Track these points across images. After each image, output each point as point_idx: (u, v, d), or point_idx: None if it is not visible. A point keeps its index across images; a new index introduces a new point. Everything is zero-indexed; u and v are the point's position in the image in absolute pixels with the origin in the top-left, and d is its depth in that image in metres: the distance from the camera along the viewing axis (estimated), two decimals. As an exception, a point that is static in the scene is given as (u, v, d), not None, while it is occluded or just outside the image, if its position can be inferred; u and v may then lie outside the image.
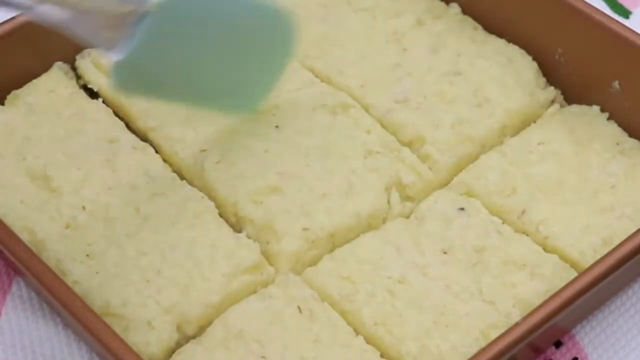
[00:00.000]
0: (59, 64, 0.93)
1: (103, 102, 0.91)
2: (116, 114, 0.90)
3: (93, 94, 0.92)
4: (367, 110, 0.90)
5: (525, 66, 0.93)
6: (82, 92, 0.92)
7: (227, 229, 0.82)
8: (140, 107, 0.89)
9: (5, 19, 0.90)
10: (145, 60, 0.78)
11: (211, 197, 0.84)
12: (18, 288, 0.85)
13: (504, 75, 0.92)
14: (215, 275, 0.79)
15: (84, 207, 0.83)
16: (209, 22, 0.81)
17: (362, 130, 0.88)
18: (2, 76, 0.91)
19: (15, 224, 0.81)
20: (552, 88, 0.93)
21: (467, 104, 0.90)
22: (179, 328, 0.77)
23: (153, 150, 0.87)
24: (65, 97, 0.91)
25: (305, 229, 0.81)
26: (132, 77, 0.79)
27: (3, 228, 0.78)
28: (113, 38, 0.76)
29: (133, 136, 0.88)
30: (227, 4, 0.83)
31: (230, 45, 0.83)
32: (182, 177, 0.86)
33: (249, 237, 0.82)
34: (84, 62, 0.93)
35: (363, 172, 0.85)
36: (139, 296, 0.78)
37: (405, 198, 0.86)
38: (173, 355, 0.76)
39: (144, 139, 0.89)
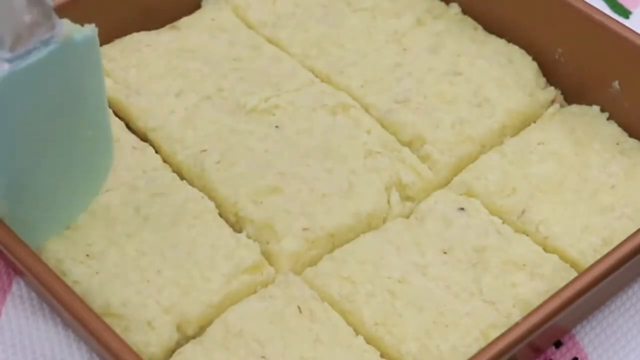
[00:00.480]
0: (59, 63, 0.93)
1: (103, 102, 0.91)
2: (116, 114, 0.90)
3: (93, 94, 0.92)
4: (367, 110, 0.90)
5: (525, 66, 0.93)
6: (82, 92, 0.92)
7: (227, 229, 0.82)
8: (140, 108, 0.89)
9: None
10: None
11: (211, 197, 0.84)
12: (18, 288, 0.85)
13: (504, 75, 0.92)
14: (216, 275, 0.79)
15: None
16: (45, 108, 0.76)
17: (362, 130, 0.88)
18: (3, 76, 0.90)
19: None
20: (552, 88, 0.93)
21: (467, 104, 0.90)
22: (179, 328, 0.77)
23: (153, 151, 0.87)
24: (65, 97, 0.91)
25: (305, 229, 0.81)
26: None
27: (3, 228, 0.78)
28: None
29: (133, 136, 0.88)
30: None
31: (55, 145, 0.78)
32: (182, 177, 0.86)
33: (249, 237, 0.82)
34: (84, 62, 0.93)
35: (363, 172, 0.85)
36: (139, 296, 0.78)
37: (405, 198, 0.86)
38: (173, 355, 0.76)
39: (143, 139, 0.89)
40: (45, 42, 0.73)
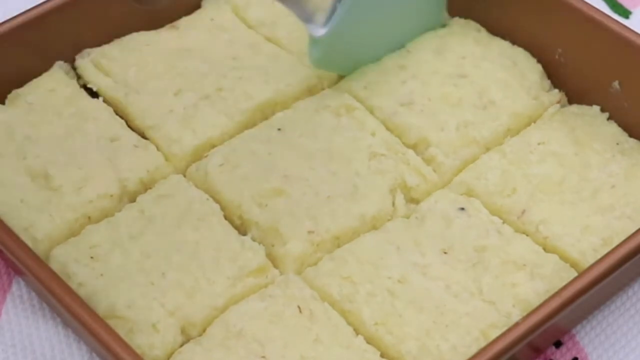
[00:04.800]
0: (59, 63, 0.93)
1: (103, 101, 0.91)
2: (116, 113, 0.90)
3: (94, 93, 0.92)
4: (371, 112, 0.90)
5: (529, 68, 0.93)
6: (83, 91, 0.92)
7: (232, 232, 0.82)
8: (138, 106, 0.89)
9: (5, 18, 0.90)
10: (339, 36, 0.85)
11: (215, 200, 0.84)
12: (18, 288, 0.85)
13: (509, 77, 0.91)
14: (220, 278, 0.79)
15: (86, 208, 0.83)
16: None
17: (367, 133, 0.88)
18: (3, 75, 0.91)
19: (15, 224, 0.81)
20: (556, 91, 0.93)
21: (472, 106, 0.89)
22: (183, 331, 0.77)
23: (155, 148, 0.87)
24: (65, 96, 0.91)
25: (310, 232, 0.81)
26: (328, 51, 0.87)
27: (3, 228, 0.78)
28: (317, 13, 0.83)
29: (134, 134, 0.88)
30: None
31: (394, 13, 0.91)
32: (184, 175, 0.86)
33: (253, 239, 0.82)
34: (83, 62, 0.93)
35: (368, 175, 0.85)
36: (143, 298, 0.78)
37: (410, 200, 0.86)
38: (173, 355, 0.76)
39: (143, 137, 0.89)
40: None
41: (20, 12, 0.90)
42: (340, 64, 0.91)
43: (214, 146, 0.87)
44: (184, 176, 0.86)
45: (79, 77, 0.93)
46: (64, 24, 0.88)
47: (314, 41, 0.86)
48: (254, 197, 0.83)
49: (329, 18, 0.84)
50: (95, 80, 0.92)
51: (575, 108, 0.91)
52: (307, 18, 0.84)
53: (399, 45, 0.94)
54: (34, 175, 0.85)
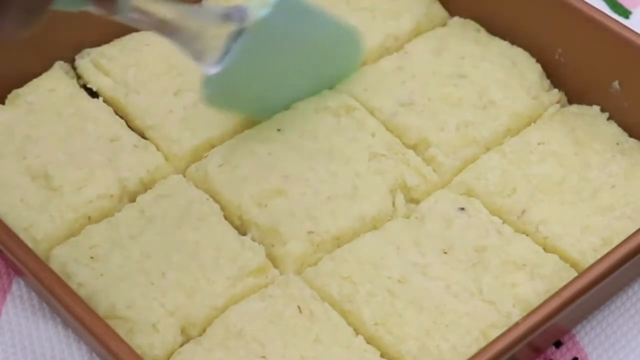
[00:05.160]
0: (59, 63, 0.93)
1: (103, 101, 0.91)
2: (116, 113, 0.90)
3: (94, 93, 0.92)
4: (372, 113, 0.89)
5: (529, 68, 0.92)
6: (83, 92, 0.92)
7: (232, 232, 0.82)
8: (138, 106, 0.89)
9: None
10: (234, 75, 0.82)
11: (215, 201, 0.84)
12: (18, 288, 0.85)
13: (508, 77, 0.91)
14: (220, 278, 0.79)
15: (86, 208, 0.83)
16: (292, 37, 0.85)
17: (367, 133, 0.88)
18: (3, 75, 0.91)
19: (15, 224, 0.81)
20: (556, 90, 0.93)
21: (471, 106, 0.89)
22: (183, 331, 0.77)
23: (155, 148, 0.87)
24: (65, 96, 0.90)
25: (310, 232, 0.81)
26: (221, 91, 0.83)
27: (3, 228, 0.78)
28: (208, 51, 0.80)
29: (134, 134, 0.88)
30: (307, 20, 0.86)
31: (306, 59, 0.88)
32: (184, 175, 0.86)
33: (253, 240, 0.82)
34: (83, 62, 0.93)
35: (368, 175, 0.85)
36: (143, 298, 0.77)
37: (410, 200, 0.86)
38: (173, 355, 0.76)
39: (143, 137, 0.89)
40: (238, 34, 0.80)
41: (20, 12, 0.90)
42: (239, 104, 0.87)
43: (213, 146, 0.87)
44: (184, 176, 0.86)
45: (79, 77, 0.93)
46: (63, 24, 0.88)
47: (205, 79, 0.82)
48: (253, 198, 0.83)
49: (221, 57, 0.81)
50: (95, 80, 0.92)
51: (575, 108, 0.91)
52: (197, 56, 0.80)
53: (313, 90, 0.90)
54: (34, 175, 0.85)
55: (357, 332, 0.77)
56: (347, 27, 0.90)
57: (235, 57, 0.81)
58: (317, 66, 0.89)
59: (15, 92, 0.91)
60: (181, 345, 0.77)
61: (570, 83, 0.92)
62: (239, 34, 0.80)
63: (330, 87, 0.91)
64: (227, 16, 0.80)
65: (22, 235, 0.80)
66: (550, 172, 0.86)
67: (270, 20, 0.81)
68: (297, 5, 0.84)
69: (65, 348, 0.81)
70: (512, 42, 0.94)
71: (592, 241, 0.81)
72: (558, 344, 0.82)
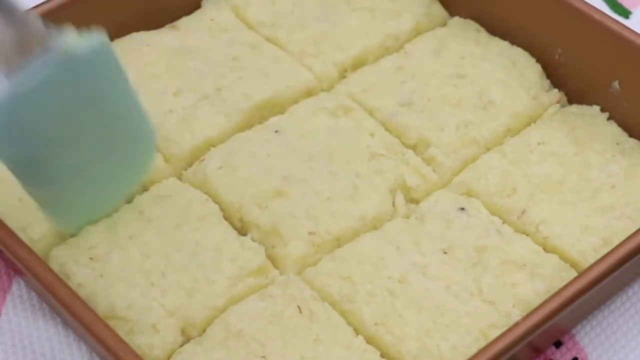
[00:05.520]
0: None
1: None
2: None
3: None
4: (371, 113, 0.89)
5: (529, 68, 0.93)
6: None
7: (232, 232, 0.82)
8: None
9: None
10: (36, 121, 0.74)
11: (215, 203, 0.84)
12: (18, 288, 0.85)
13: (508, 77, 0.91)
14: (220, 278, 0.79)
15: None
16: (94, 94, 0.77)
17: (366, 133, 0.88)
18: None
19: (13, 224, 0.81)
20: (556, 90, 0.93)
21: (471, 106, 0.89)
22: (183, 331, 0.77)
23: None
24: (65, 96, 0.90)
25: (311, 233, 0.81)
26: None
27: (3, 228, 0.78)
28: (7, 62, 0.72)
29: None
30: (114, 84, 0.79)
31: (97, 134, 0.79)
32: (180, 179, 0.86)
33: (254, 241, 0.82)
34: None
35: (367, 175, 0.85)
36: (143, 299, 0.77)
37: (410, 200, 0.86)
38: (173, 355, 0.76)
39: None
40: (44, 60, 0.72)
41: (20, 12, 0.90)
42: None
43: (212, 146, 0.87)
44: (181, 178, 0.86)
45: (79, 77, 0.93)
46: (63, 24, 0.88)
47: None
48: (254, 199, 0.83)
49: (17, 72, 0.72)
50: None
51: (575, 108, 0.91)
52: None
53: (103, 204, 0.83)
54: (33, 175, 0.85)
55: (357, 332, 0.77)
56: (148, 122, 0.82)
57: (34, 89, 0.72)
58: (110, 142, 0.79)
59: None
60: (181, 346, 0.77)
61: (570, 83, 0.92)
62: (43, 56, 0.73)
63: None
64: (44, 33, 0.73)
65: (20, 235, 0.80)
66: (550, 172, 0.86)
67: (80, 64, 0.75)
68: (113, 69, 0.78)
69: (65, 348, 0.81)
70: (512, 42, 0.94)
71: (592, 241, 0.82)
72: (558, 344, 0.82)
